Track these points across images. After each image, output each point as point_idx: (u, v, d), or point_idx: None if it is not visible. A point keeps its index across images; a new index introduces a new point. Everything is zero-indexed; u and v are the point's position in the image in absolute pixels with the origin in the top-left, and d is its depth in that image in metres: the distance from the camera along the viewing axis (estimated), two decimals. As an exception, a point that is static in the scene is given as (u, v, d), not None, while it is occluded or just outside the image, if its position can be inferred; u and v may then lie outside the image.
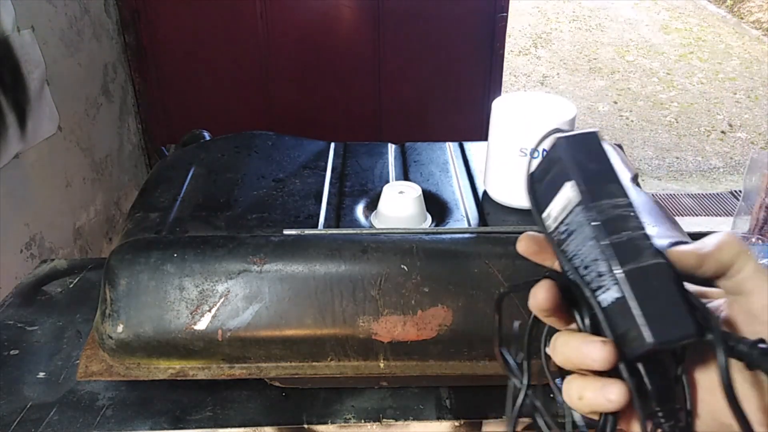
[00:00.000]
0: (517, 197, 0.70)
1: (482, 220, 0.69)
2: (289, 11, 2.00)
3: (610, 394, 0.30)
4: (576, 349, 0.31)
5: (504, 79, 2.25)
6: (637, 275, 0.32)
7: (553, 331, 0.34)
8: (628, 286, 0.31)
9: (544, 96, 0.71)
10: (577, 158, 0.35)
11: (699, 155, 3.46)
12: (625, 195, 0.33)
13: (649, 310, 0.31)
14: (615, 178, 0.34)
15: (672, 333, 0.30)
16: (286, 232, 0.65)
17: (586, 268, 0.33)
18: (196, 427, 0.63)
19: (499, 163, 0.70)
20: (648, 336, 0.30)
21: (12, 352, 0.72)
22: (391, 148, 0.87)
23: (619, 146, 0.88)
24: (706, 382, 0.33)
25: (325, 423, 0.63)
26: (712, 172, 3.31)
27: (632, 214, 0.33)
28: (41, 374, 0.69)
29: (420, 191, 0.70)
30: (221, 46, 2.03)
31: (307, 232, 0.65)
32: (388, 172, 0.81)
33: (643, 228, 0.32)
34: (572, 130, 0.34)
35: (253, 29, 2.00)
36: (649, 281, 0.31)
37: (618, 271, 0.32)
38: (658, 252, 0.32)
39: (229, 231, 0.65)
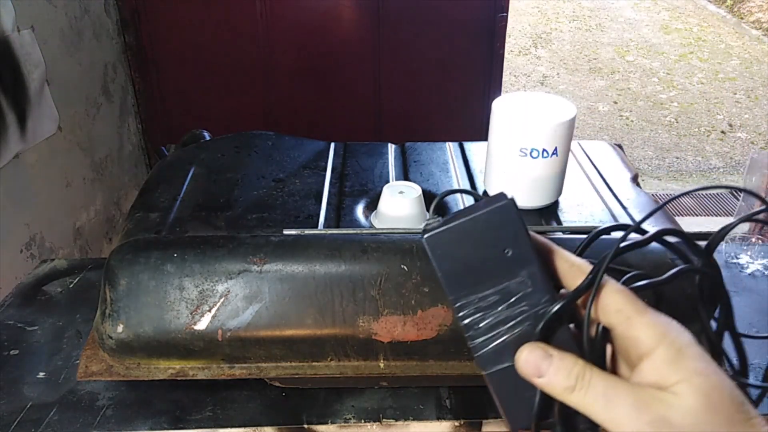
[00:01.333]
0: (517, 198, 0.70)
1: (482, 220, 0.69)
2: (289, 11, 2.00)
3: None
4: None
5: (504, 79, 2.25)
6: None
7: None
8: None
9: (544, 96, 0.71)
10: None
11: (699, 155, 3.46)
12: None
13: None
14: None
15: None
16: (286, 232, 0.64)
17: None
18: (196, 427, 0.63)
19: (499, 163, 0.70)
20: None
21: (12, 352, 0.72)
22: (391, 148, 0.87)
23: (619, 146, 0.88)
24: None
25: (325, 423, 0.63)
26: (712, 172, 3.31)
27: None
28: (41, 374, 0.69)
29: (420, 191, 0.70)
30: (221, 46, 2.03)
31: (307, 232, 0.65)
32: (388, 172, 0.81)
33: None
34: (438, 227, 0.38)
35: (253, 29, 2.00)
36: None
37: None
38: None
39: (229, 231, 0.65)
